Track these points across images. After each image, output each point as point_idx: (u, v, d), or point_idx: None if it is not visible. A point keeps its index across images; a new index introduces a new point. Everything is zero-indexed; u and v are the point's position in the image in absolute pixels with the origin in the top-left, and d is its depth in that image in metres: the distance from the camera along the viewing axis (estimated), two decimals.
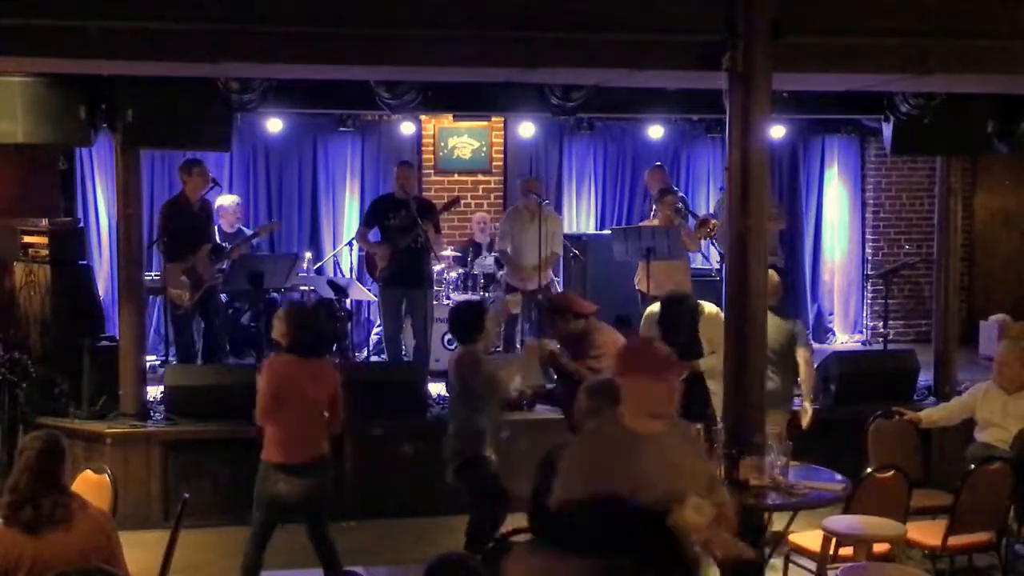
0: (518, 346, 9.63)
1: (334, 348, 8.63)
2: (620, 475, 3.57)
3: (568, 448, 3.87)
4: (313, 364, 5.62)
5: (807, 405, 6.71)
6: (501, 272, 9.74)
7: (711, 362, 6.36)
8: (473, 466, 5.92)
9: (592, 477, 3.62)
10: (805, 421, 6.64)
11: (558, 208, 11.06)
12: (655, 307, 6.82)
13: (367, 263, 9.19)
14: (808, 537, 5.49)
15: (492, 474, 5.93)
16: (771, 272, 7.07)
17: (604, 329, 6.15)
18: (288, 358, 5.60)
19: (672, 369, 3.76)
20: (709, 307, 6.55)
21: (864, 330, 11.51)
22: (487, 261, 9.83)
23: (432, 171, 10.80)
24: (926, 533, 5.67)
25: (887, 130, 8.26)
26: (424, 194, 10.01)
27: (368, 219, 9.00)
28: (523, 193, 9.53)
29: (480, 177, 10.95)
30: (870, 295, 11.48)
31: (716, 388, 6.45)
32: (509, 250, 9.42)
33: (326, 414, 5.67)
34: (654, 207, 9.46)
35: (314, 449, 5.60)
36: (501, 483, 5.92)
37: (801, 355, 6.69)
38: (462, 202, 10.32)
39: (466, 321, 5.98)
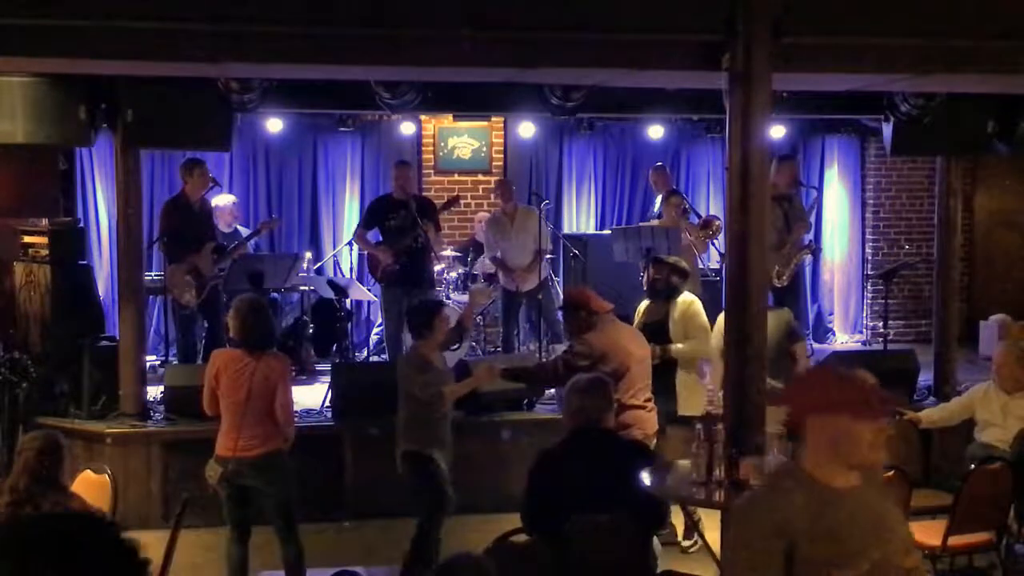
0: (518, 348, 9.65)
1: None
2: (822, 542, 2.79)
3: (741, 504, 3.07)
4: (256, 359, 5.50)
5: None
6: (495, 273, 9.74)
7: (683, 349, 6.54)
8: (416, 460, 5.90)
9: (784, 545, 2.78)
10: None
11: (558, 208, 11.08)
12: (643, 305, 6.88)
13: (369, 263, 9.19)
14: None
15: (435, 476, 5.89)
16: None
17: (608, 329, 6.10)
18: (231, 352, 5.60)
19: (883, 406, 2.94)
20: (684, 296, 6.75)
21: (864, 330, 11.52)
22: (487, 260, 9.82)
23: (432, 171, 10.80)
24: (926, 533, 5.66)
25: (887, 130, 8.26)
26: (424, 194, 10.00)
27: (367, 220, 9.00)
28: (499, 197, 9.53)
29: (480, 177, 10.95)
30: (870, 295, 11.48)
31: (686, 377, 6.50)
32: (499, 255, 9.39)
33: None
34: (660, 207, 9.45)
35: (236, 446, 5.46)
36: (445, 488, 5.92)
37: (798, 349, 6.83)
38: (462, 202, 10.32)
39: (417, 320, 6.08)
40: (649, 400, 6.02)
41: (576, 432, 4.94)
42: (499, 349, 9.59)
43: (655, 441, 6.05)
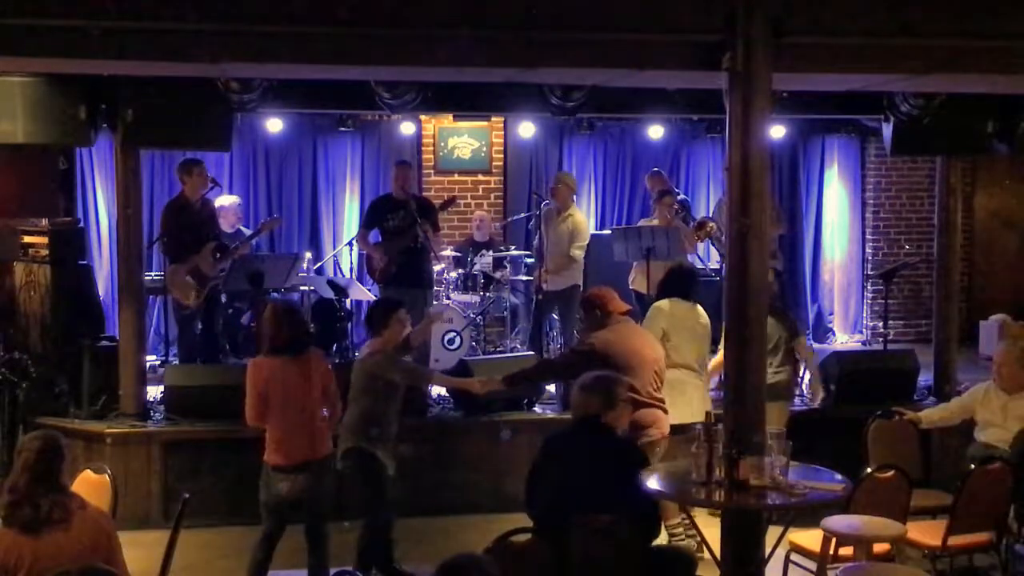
0: (517, 346, 9.65)
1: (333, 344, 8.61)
2: None
3: None
4: (301, 362, 5.58)
5: (817, 385, 7.41)
6: (500, 272, 9.71)
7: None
8: (361, 457, 5.90)
9: None
10: (818, 398, 7.46)
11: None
12: (663, 304, 6.86)
13: (367, 263, 9.19)
14: (808, 537, 5.49)
15: (379, 474, 5.92)
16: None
17: (618, 329, 6.17)
18: (274, 359, 5.57)
19: None
20: (662, 302, 6.92)
21: (864, 330, 11.52)
22: (486, 260, 9.82)
23: (432, 171, 10.80)
24: (926, 533, 5.67)
25: (887, 130, 8.26)
26: (424, 194, 10.01)
27: (368, 220, 8.99)
28: (552, 195, 9.38)
29: (480, 177, 10.95)
30: (870, 295, 11.48)
31: (671, 377, 6.53)
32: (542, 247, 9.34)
33: (325, 412, 5.66)
34: (653, 208, 9.47)
35: (311, 449, 5.56)
36: (385, 488, 5.95)
37: (800, 343, 7.18)
38: (461, 202, 10.33)
39: (373, 316, 6.15)
40: (662, 401, 6.15)
41: (575, 423, 5.19)
42: (499, 349, 9.60)
43: (667, 443, 6.10)
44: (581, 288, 9.09)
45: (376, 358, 5.97)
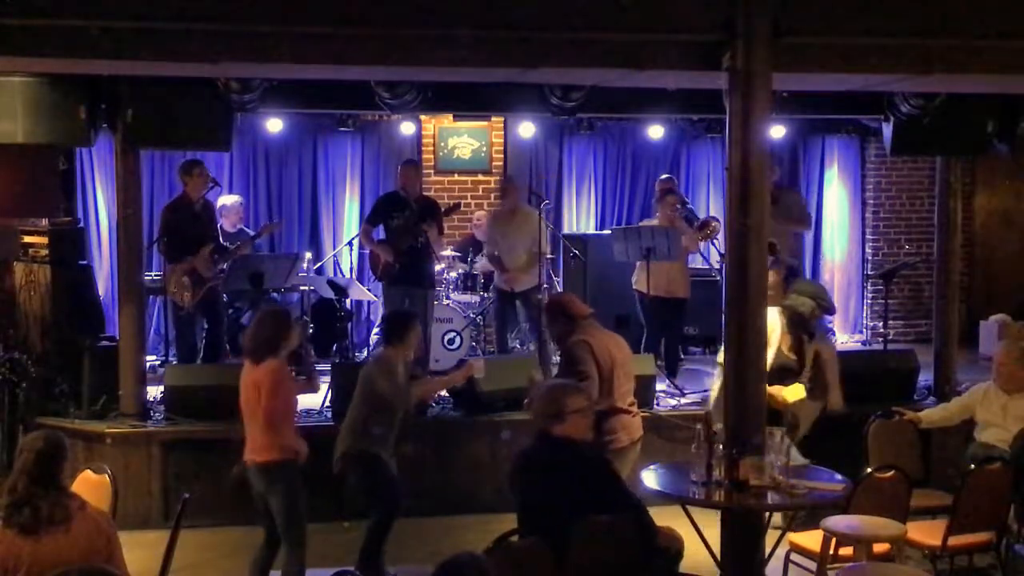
0: (517, 344, 9.64)
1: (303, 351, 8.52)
2: None
3: None
4: (256, 367, 5.53)
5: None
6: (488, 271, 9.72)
7: None
8: (360, 460, 5.95)
9: None
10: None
11: (558, 208, 11.07)
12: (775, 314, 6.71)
13: (370, 260, 9.19)
14: (808, 537, 5.49)
15: (386, 473, 5.96)
16: (775, 272, 7.20)
17: (590, 332, 6.03)
18: (246, 362, 5.65)
19: None
20: None
21: (864, 330, 11.52)
22: (484, 258, 9.82)
23: (432, 171, 10.80)
24: (926, 533, 5.67)
25: (887, 130, 8.26)
26: (424, 194, 10.00)
27: (372, 216, 8.99)
28: (503, 196, 9.55)
29: (480, 177, 10.95)
30: (870, 295, 11.48)
31: None
32: (497, 253, 9.37)
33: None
34: (655, 206, 9.46)
35: (256, 453, 5.54)
36: (395, 487, 5.99)
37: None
38: (461, 202, 10.32)
39: (392, 327, 6.16)
40: (633, 404, 6.03)
41: (533, 439, 4.94)
42: (495, 350, 9.59)
43: (639, 446, 6.04)
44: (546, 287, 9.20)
45: (375, 365, 6.04)
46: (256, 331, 5.60)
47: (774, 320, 6.56)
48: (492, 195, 10.93)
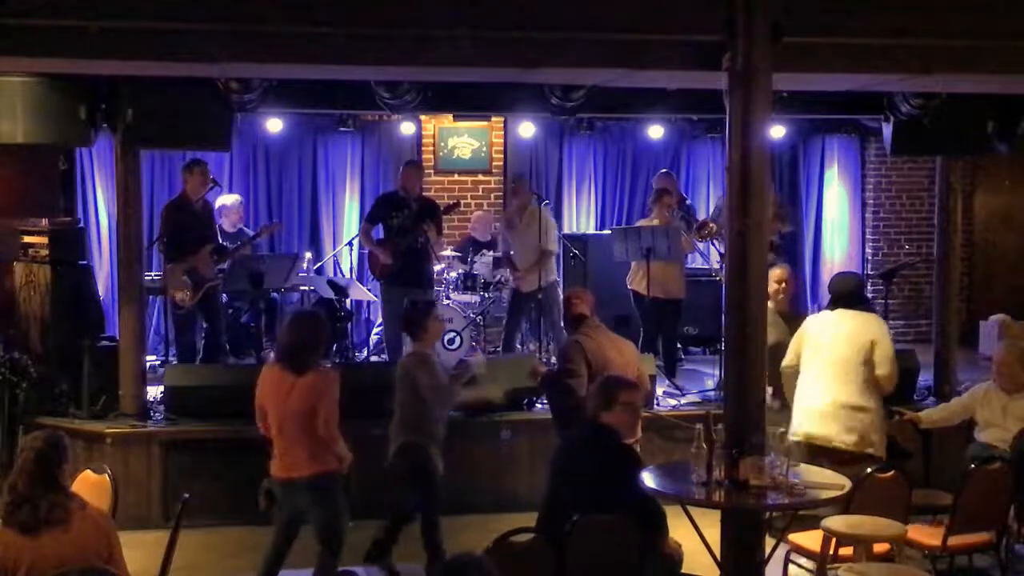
0: (519, 346, 9.64)
1: (330, 354, 8.58)
2: None
3: None
4: (299, 376, 5.32)
5: None
6: (498, 272, 9.71)
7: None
8: (414, 449, 6.03)
9: None
10: None
11: (558, 208, 11.07)
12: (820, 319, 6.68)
13: (369, 260, 9.19)
14: (808, 537, 5.49)
15: (432, 464, 6.02)
16: (783, 269, 7.19)
17: (592, 334, 6.15)
18: (275, 368, 5.47)
19: None
20: None
21: None
22: (486, 259, 9.82)
23: (432, 171, 10.79)
24: (926, 533, 5.67)
25: (887, 130, 8.26)
26: (424, 194, 9.99)
27: (372, 215, 9.00)
28: (513, 195, 9.56)
29: (480, 177, 10.95)
30: (870, 295, 11.46)
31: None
32: (511, 252, 9.39)
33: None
34: (651, 207, 9.46)
35: (302, 467, 5.33)
36: (437, 480, 6.05)
37: None
38: (461, 202, 10.32)
39: (413, 321, 6.27)
40: None
41: (579, 425, 5.29)
42: (499, 349, 9.59)
43: (638, 447, 6.06)
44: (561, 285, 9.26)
45: (410, 359, 6.14)
46: (293, 338, 5.39)
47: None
48: (492, 195, 10.93)
